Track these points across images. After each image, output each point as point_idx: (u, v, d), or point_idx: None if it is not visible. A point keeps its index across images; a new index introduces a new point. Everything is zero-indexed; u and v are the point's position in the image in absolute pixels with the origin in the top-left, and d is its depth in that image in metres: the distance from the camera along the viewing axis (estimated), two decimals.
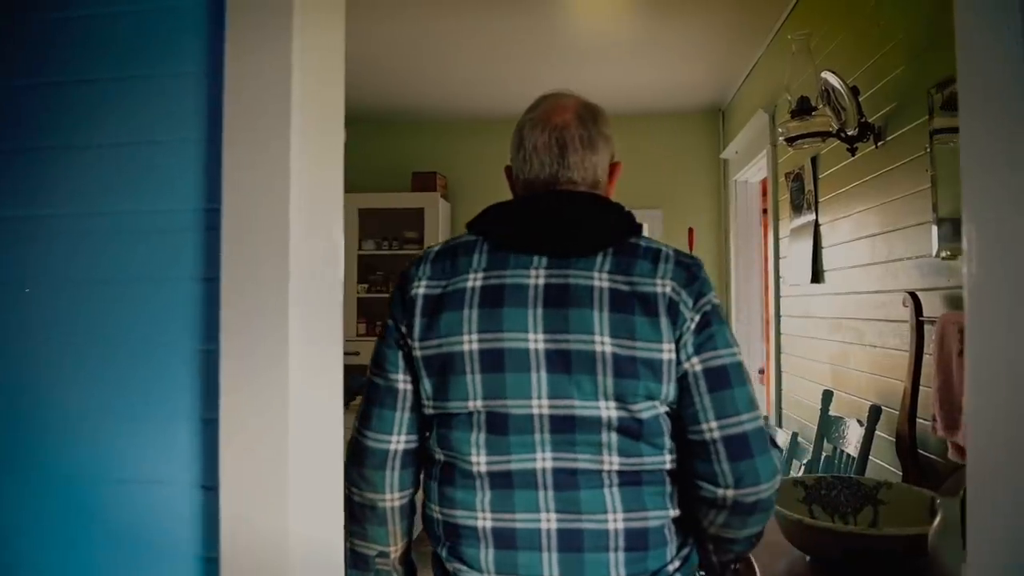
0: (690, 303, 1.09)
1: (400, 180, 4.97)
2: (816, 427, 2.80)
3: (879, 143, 2.30)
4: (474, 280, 1.11)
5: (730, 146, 4.49)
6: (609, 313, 1.07)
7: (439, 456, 1.14)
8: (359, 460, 1.17)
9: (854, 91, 2.30)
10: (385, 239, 4.83)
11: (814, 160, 2.96)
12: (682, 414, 1.10)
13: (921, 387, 1.99)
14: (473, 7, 3.30)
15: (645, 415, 1.08)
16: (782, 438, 3.18)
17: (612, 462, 1.07)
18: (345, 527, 1.06)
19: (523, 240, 1.13)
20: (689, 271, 1.12)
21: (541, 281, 1.10)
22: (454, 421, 1.11)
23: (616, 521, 1.08)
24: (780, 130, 2.44)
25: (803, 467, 2.71)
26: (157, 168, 0.93)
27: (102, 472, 0.92)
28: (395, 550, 1.23)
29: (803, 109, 2.32)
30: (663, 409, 1.10)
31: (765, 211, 4.33)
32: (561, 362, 1.07)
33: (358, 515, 1.20)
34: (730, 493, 1.08)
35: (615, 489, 1.08)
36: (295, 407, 0.90)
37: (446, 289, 1.12)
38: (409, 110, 4.88)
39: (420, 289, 1.14)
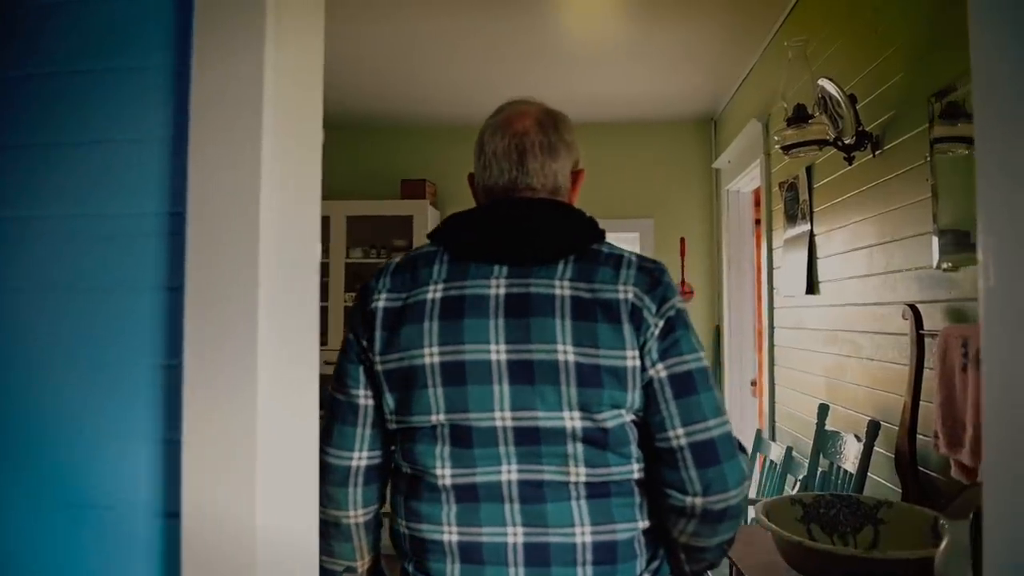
0: (653, 308, 1.08)
1: (389, 187, 4.91)
2: (811, 441, 2.74)
3: (876, 152, 2.26)
4: (434, 292, 1.10)
5: (722, 156, 4.45)
6: (571, 321, 1.05)
7: (406, 469, 1.13)
8: (321, 477, 1.13)
9: (851, 99, 2.25)
10: (373, 247, 4.76)
11: (809, 170, 2.91)
12: (649, 421, 1.09)
13: (921, 402, 1.93)
14: (465, 12, 3.25)
15: (610, 424, 1.06)
16: (776, 452, 3.12)
17: (579, 473, 1.06)
18: None
19: (483, 249, 1.11)
20: (652, 276, 1.10)
21: (502, 291, 1.08)
22: (418, 435, 1.10)
23: (584, 534, 1.06)
24: (776, 138, 2.39)
25: (798, 483, 2.65)
26: (118, 169, 0.86)
27: (51, 496, 0.85)
28: (362, 564, 1.22)
29: (799, 117, 2.27)
30: (629, 417, 1.08)
31: (758, 221, 4.29)
32: (524, 373, 1.05)
33: (323, 531, 1.17)
34: (699, 501, 1.07)
35: (582, 501, 1.06)
36: (265, 428, 0.83)
37: (407, 301, 1.11)
38: (399, 116, 4.83)
39: (380, 302, 1.12)
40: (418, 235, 4.66)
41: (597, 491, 1.07)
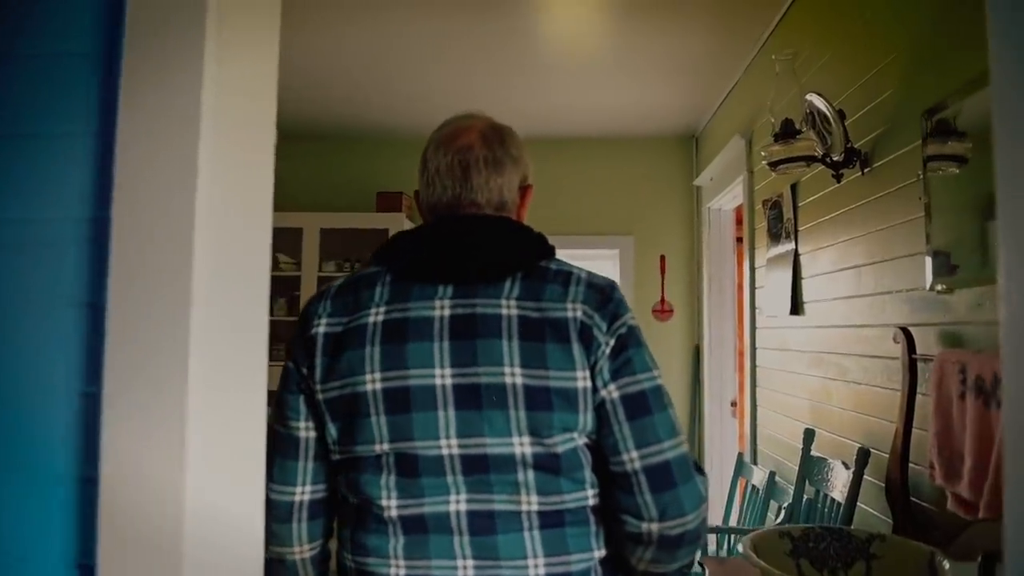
0: (604, 327, 1.04)
1: (364, 199, 4.79)
2: (796, 467, 2.66)
3: (865, 169, 2.19)
4: (376, 315, 1.05)
5: (704, 172, 4.40)
6: (519, 342, 1.01)
7: (352, 500, 1.07)
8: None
9: (840, 115, 2.19)
10: (347, 260, 4.63)
11: (794, 187, 2.85)
12: (602, 444, 1.04)
13: (914, 429, 1.85)
14: (442, 23, 3.17)
15: (561, 449, 1.02)
16: (758, 476, 3.03)
17: (531, 502, 1.01)
18: None
19: (426, 269, 1.07)
20: (602, 293, 1.07)
21: (447, 312, 1.04)
22: (362, 465, 1.05)
23: (537, 567, 1.01)
24: (763, 154, 2.32)
25: (783, 510, 2.56)
26: (33, 167, 0.75)
27: None
28: None
29: (787, 132, 2.20)
30: (582, 441, 1.04)
31: (740, 239, 4.23)
32: (470, 398, 1.01)
33: (267, 570, 1.11)
34: (655, 527, 1.03)
35: (535, 532, 1.01)
36: (194, 469, 0.72)
37: (348, 326, 1.06)
38: (375, 128, 4.72)
39: (320, 327, 1.08)
40: None
41: (551, 520, 1.02)
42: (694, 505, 1.04)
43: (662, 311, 4.83)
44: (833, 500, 2.22)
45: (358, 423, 1.03)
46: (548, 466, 1.01)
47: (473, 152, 1.13)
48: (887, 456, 1.99)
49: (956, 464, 1.57)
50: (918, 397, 1.85)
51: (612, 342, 1.04)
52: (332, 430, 1.06)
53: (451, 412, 1.01)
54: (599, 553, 1.06)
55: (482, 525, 1.01)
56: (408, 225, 4.65)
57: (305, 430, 1.09)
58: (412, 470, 1.02)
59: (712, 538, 3.20)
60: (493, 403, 1.00)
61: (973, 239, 1.76)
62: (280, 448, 1.09)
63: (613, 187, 4.92)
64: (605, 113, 4.40)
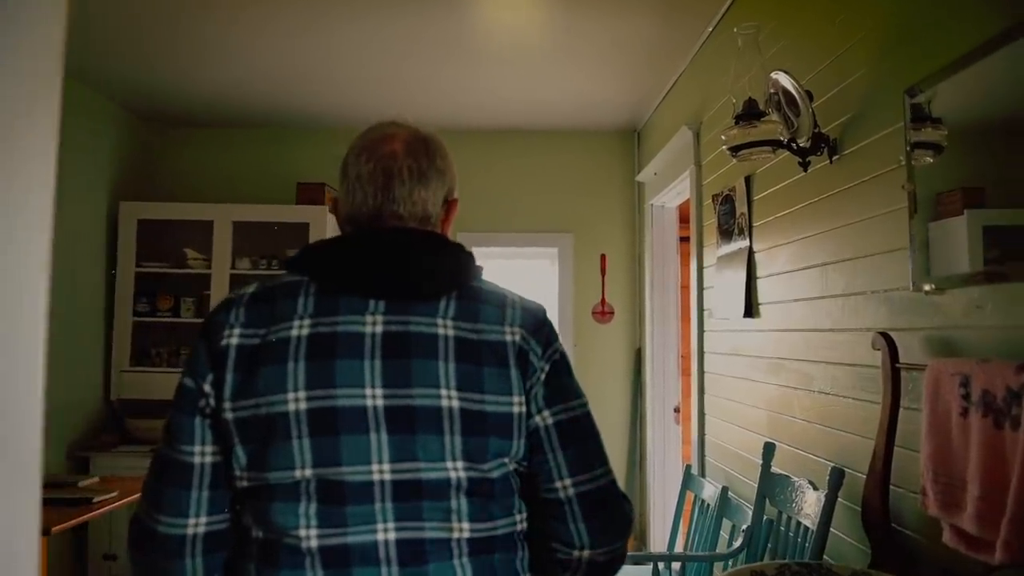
0: (539, 352, 1.05)
1: (284, 192, 4.40)
2: (751, 482, 2.44)
3: (834, 157, 1.98)
4: (300, 328, 0.99)
5: (648, 167, 4.19)
6: (456, 364, 1.00)
7: (256, 533, 0.99)
8: (147, 548, 1.01)
9: (808, 96, 1.97)
10: (263, 257, 4.24)
11: (748, 179, 2.65)
12: (535, 471, 1.05)
13: (896, 448, 1.64)
14: (368, 7, 2.86)
15: (495, 474, 1.01)
16: (709, 491, 2.82)
17: (462, 529, 0.99)
18: None
19: (356, 281, 1.01)
20: (536, 317, 1.08)
21: (379, 328, 0.99)
22: (275, 492, 0.97)
23: None
24: (722, 138, 2.09)
25: (739, 531, 2.34)
26: None
27: None
28: None
29: (751, 114, 1.97)
30: (512, 467, 1.03)
31: (683, 238, 4.04)
32: (404, 420, 0.97)
33: None
34: (585, 554, 1.05)
35: (465, 559, 0.99)
36: None
37: (266, 339, 0.99)
38: (296, 115, 4.35)
39: (233, 339, 1.00)
40: None
41: (480, 547, 1.00)
42: (623, 532, 1.07)
43: (602, 312, 4.60)
44: (800, 524, 2.00)
45: (275, 446, 0.96)
46: (482, 492, 1.00)
47: (397, 161, 1.08)
48: (860, 476, 1.78)
49: (956, 492, 1.35)
50: (901, 411, 1.64)
51: (547, 368, 1.04)
52: (240, 454, 0.98)
53: (383, 436, 0.96)
54: None
55: (412, 555, 0.96)
56: (331, 220, 4.29)
57: (201, 455, 1.00)
58: (337, 497, 0.96)
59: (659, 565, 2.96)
60: (428, 427, 0.97)
61: (917, 239, 1.59)
62: (170, 475, 1.00)
63: (552, 182, 4.68)
64: (543, 104, 4.15)
